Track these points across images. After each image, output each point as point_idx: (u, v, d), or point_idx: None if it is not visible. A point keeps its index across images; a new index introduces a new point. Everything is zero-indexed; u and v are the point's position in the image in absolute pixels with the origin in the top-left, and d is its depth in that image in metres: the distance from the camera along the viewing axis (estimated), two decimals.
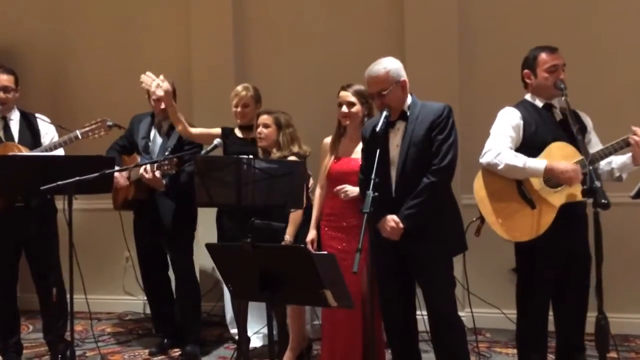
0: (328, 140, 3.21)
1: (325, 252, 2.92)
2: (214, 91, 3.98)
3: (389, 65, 2.60)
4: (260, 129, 3.36)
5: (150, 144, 3.68)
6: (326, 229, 3.11)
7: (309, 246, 3.15)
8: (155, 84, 3.33)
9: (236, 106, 3.58)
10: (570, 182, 2.52)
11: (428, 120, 2.56)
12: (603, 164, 2.68)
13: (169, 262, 3.78)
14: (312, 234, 3.21)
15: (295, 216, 3.24)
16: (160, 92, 3.34)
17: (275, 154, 3.30)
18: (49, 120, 3.58)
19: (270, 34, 4.50)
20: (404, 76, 2.63)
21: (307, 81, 4.37)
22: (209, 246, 2.29)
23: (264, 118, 3.36)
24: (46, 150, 3.35)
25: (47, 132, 3.53)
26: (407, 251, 2.59)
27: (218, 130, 3.61)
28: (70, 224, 2.76)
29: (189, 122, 3.68)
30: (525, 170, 2.60)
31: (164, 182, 3.44)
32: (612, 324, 2.03)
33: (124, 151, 3.78)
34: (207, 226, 3.81)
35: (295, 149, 3.31)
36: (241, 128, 3.67)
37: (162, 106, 3.51)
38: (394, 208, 2.57)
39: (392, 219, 2.54)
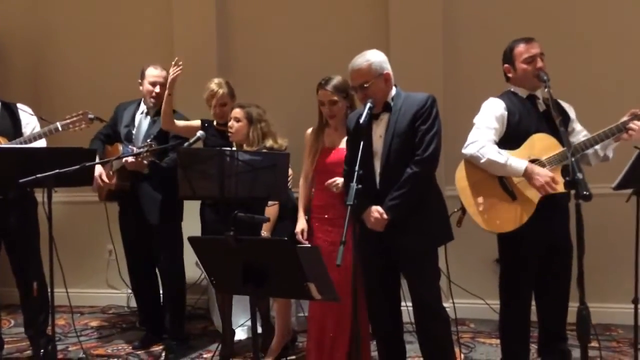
0: (310, 131, 3.19)
1: (309, 245, 2.92)
2: (196, 80, 3.93)
3: (372, 57, 2.58)
4: (231, 123, 3.33)
5: (134, 131, 3.63)
6: (316, 223, 3.09)
7: (299, 236, 3.13)
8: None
9: (214, 106, 3.54)
10: (540, 188, 2.54)
11: (411, 111, 2.55)
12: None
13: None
14: (301, 223, 3.17)
15: (271, 210, 3.22)
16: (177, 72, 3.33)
17: (246, 149, 3.26)
18: (30, 110, 3.52)
19: (254, 24, 4.47)
20: (387, 69, 2.61)
21: (290, 72, 4.35)
22: (191, 239, 2.26)
23: (236, 112, 3.33)
24: (26, 142, 3.29)
25: (29, 122, 3.46)
26: (391, 242, 2.58)
27: (198, 123, 3.58)
28: (50, 218, 2.72)
29: (174, 109, 3.65)
30: (506, 169, 2.61)
31: (145, 162, 3.40)
32: (594, 314, 2.04)
33: (108, 140, 3.74)
34: (191, 219, 3.78)
35: (269, 143, 3.27)
36: (218, 123, 3.65)
37: (156, 91, 3.51)
38: (378, 199, 2.56)
39: (377, 210, 2.53)
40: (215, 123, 3.62)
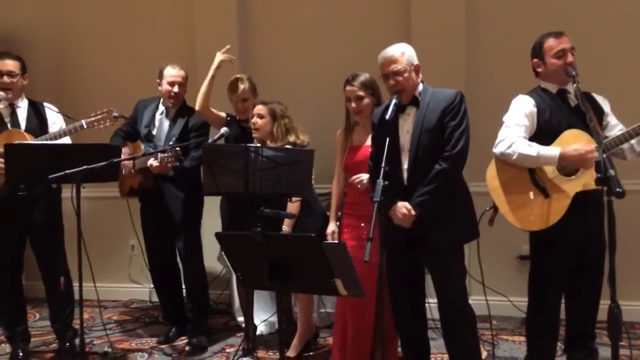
0: (340, 131, 3.19)
1: (336, 242, 2.92)
2: (218, 77, 3.97)
3: (405, 48, 2.61)
4: (254, 119, 3.34)
5: (154, 132, 3.65)
6: (346, 220, 3.08)
7: (329, 238, 3.14)
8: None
9: (236, 102, 3.57)
10: (584, 161, 2.49)
11: (440, 107, 2.54)
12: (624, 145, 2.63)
13: (177, 252, 3.76)
14: (332, 226, 3.20)
15: (293, 207, 3.22)
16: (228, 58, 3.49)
17: (270, 145, 3.26)
18: (57, 109, 3.56)
19: (274, 21, 4.47)
20: (417, 62, 2.62)
21: (310, 69, 4.34)
22: (218, 235, 2.28)
23: (259, 109, 3.34)
24: (51, 139, 3.33)
25: (55, 121, 3.50)
26: (418, 239, 2.57)
27: (224, 115, 3.60)
28: (78, 213, 2.76)
29: (193, 108, 3.69)
30: (539, 159, 2.57)
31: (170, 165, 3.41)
32: (622, 312, 2.02)
33: (128, 137, 3.75)
34: (212, 214, 3.81)
35: (292, 139, 3.29)
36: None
37: (175, 91, 3.54)
38: (406, 195, 2.55)
39: (404, 206, 2.52)
40: (237, 119, 3.65)
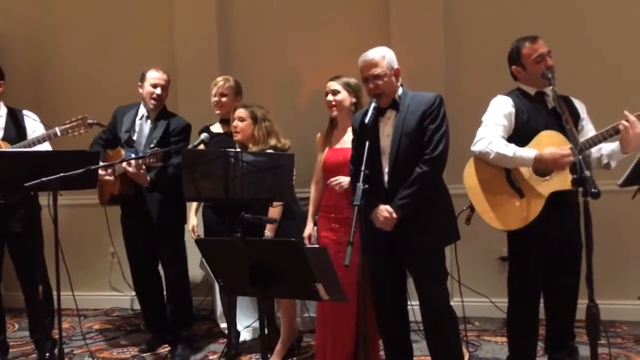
0: (319, 135, 3.20)
1: (317, 246, 2.92)
2: (198, 82, 3.96)
3: (385, 52, 2.63)
4: (235, 123, 3.34)
5: (134, 137, 3.62)
6: (323, 222, 3.09)
7: (306, 241, 3.15)
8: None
9: (214, 95, 3.60)
10: (558, 164, 2.52)
11: (420, 110, 2.56)
12: (593, 150, 2.68)
13: (159, 260, 3.72)
14: (309, 228, 3.21)
15: (274, 211, 3.22)
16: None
17: (252, 148, 3.27)
18: (36, 117, 3.51)
19: (254, 24, 4.47)
20: (397, 65, 2.65)
21: (291, 72, 4.35)
22: (198, 242, 2.26)
23: (240, 112, 3.34)
24: (26, 146, 3.27)
25: (35, 129, 3.45)
26: (399, 241, 2.58)
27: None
28: (55, 221, 2.71)
29: (174, 112, 3.68)
30: (515, 160, 2.60)
31: (148, 177, 3.38)
32: (600, 311, 2.05)
33: (108, 145, 3.70)
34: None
35: (273, 142, 3.29)
36: (222, 122, 3.65)
37: (157, 93, 3.52)
38: (387, 198, 2.56)
39: (386, 209, 2.53)
40: (216, 124, 3.64)
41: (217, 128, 3.68)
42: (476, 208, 2.71)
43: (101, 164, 3.27)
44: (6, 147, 3.22)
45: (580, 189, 2.01)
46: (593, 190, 1.92)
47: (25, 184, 2.68)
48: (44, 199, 3.13)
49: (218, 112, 3.63)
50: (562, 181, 2.58)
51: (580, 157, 2.05)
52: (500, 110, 2.71)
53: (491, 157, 2.64)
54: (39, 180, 2.66)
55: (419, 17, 4.06)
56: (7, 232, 3.35)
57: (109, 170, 3.49)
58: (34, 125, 3.47)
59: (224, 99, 3.58)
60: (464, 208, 2.78)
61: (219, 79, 3.63)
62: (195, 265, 4.06)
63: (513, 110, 2.71)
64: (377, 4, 4.21)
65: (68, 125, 3.34)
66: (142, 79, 3.59)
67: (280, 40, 4.40)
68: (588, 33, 3.87)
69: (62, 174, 2.68)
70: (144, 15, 4.64)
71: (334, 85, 3.03)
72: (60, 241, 2.77)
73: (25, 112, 3.49)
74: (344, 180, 2.91)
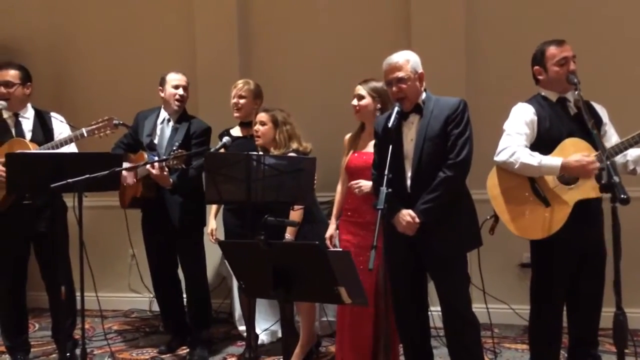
0: (349, 136, 3.19)
1: (340, 249, 2.92)
2: (218, 84, 3.98)
3: (410, 56, 2.63)
4: (257, 127, 3.36)
5: (155, 140, 3.65)
6: (344, 225, 3.09)
7: (327, 242, 3.14)
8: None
9: (233, 97, 3.62)
10: (585, 171, 2.49)
11: (443, 115, 2.55)
12: (618, 156, 2.63)
13: (179, 262, 3.74)
14: (331, 229, 3.20)
15: (295, 215, 3.22)
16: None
17: (273, 152, 3.28)
18: (63, 119, 3.56)
19: (275, 28, 4.49)
20: (422, 70, 2.64)
21: (312, 75, 4.36)
22: (221, 244, 2.28)
23: (261, 116, 3.36)
24: (52, 148, 3.32)
25: (62, 131, 3.49)
26: (422, 247, 2.57)
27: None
28: (80, 222, 2.74)
29: (194, 115, 3.70)
30: (541, 169, 2.58)
31: (171, 180, 3.41)
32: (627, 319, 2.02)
33: (129, 149, 3.74)
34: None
35: (295, 145, 3.29)
36: (241, 125, 3.67)
37: (180, 94, 3.56)
38: (409, 203, 2.55)
39: (408, 214, 2.52)
40: (236, 127, 3.66)
41: (236, 131, 3.71)
42: (500, 217, 2.68)
43: (125, 165, 3.32)
44: (34, 149, 3.27)
45: (608, 196, 1.99)
46: (622, 196, 1.90)
47: (52, 185, 2.72)
48: (68, 201, 3.17)
49: (237, 114, 3.64)
50: (587, 189, 2.55)
51: (609, 162, 2.02)
52: (522, 118, 2.69)
53: (516, 167, 2.61)
54: (64, 182, 2.70)
55: (440, 22, 4.04)
56: (34, 233, 3.39)
57: (132, 174, 3.54)
58: (60, 127, 3.52)
59: (242, 101, 3.60)
60: (488, 217, 2.74)
61: (239, 81, 3.66)
62: (213, 268, 4.07)
63: (535, 117, 2.68)
64: (398, 12, 4.20)
65: (94, 126, 3.38)
66: (162, 82, 3.63)
67: (301, 43, 4.41)
68: (613, 37, 3.82)
69: (87, 175, 2.71)
70: (164, 18, 4.68)
71: (360, 89, 3.02)
72: (84, 242, 2.81)
73: (52, 114, 3.55)
74: (364, 184, 2.90)
